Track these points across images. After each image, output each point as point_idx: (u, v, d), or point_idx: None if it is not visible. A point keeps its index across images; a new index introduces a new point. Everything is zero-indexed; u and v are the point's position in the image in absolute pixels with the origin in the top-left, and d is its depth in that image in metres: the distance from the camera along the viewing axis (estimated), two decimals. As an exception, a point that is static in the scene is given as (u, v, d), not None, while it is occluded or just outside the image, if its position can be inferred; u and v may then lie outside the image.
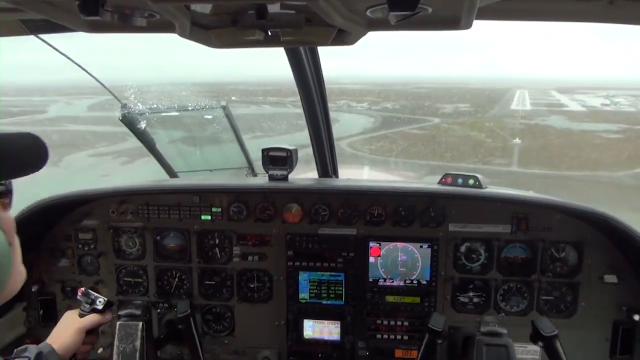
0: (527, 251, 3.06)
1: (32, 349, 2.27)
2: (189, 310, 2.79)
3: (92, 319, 2.58)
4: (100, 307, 2.65)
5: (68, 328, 2.51)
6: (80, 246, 3.33)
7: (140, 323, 2.65)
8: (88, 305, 2.65)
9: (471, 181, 2.98)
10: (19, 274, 1.44)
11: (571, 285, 3.03)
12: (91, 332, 2.62)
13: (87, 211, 3.28)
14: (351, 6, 1.35)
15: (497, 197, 2.91)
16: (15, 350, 2.14)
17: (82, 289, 2.70)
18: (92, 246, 3.33)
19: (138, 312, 2.70)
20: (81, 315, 2.61)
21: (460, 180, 3.00)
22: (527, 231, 3.00)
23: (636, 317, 2.90)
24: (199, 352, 2.79)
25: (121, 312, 2.71)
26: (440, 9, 1.32)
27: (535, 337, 2.54)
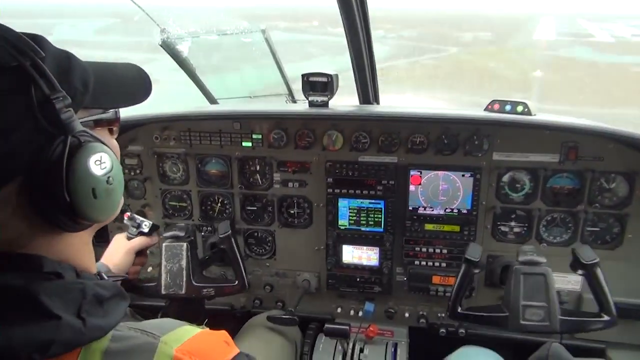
0: (574, 181, 2.97)
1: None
2: (229, 231, 2.86)
3: (140, 241, 2.72)
4: (146, 230, 2.77)
5: (119, 250, 2.66)
6: (126, 171, 3.43)
7: (185, 244, 2.76)
8: (135, 229, 2.78)
9: (520, 108, 2.85)
10: (122, 198, 1.52)
11: (619, 217, 2.95)
12: (140, 254, 2.77)
13: (132, 137, 3.36)
14: None
15: (548, 125, 2.78)
16: None
17: (128, 213, 2.81)
18: (138, 171, 3.43)
19: (182, 233, 2.80)
20: (129, 238, 2.74)
21: (508, 107, 2.88)
22: (576, 161, 2.89)
23: None
24: (242, 270, 2.89)
25: (166, 234, 2.82)
26: None
27: (575, 265, 2.51)
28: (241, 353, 1.32)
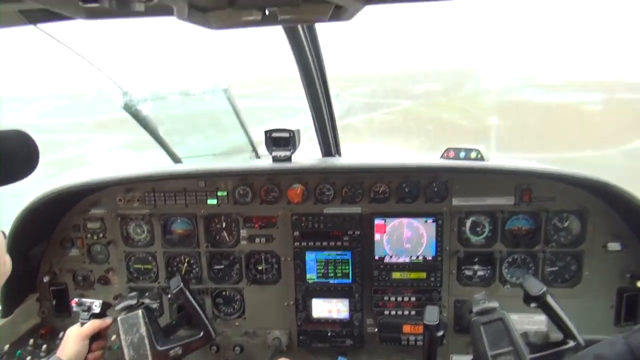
0: (530, 222, 3.09)
1: None
2: (181, 285, 2.80)
3: (90, 325, 2.61)
4: (97, 310, 2.69)
5: (70, 339, 2.56)
6: (89, 235, 3.37)
7: (140, 311, 2.66)
8: (86, 313, 2.69)
9: (473, 154, 3.01)
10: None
11: (575, 254, 3.07)
12: (97, 338, 2.65)
13: (95, 200, 3.32)
14: None
15: (500, 169, 2.93)
16: None
17: (75, 299, 2.74)
18: (101, 235, 3.37)
19: (133, 302, 2.71)
20: (82, 325, 2.64)
21: (462, 154, 3.03)
22: (530, 202, 3.03)
23: (639, 284, 2.94)
24: (204, 320, 2.79)
25: (118, 307, 2.72)
26: None
27: (527, 299, 2.56)
28: None
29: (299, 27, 2.50)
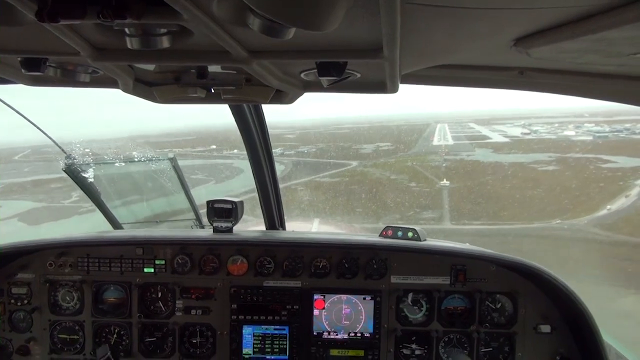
0: (465, 302, 3.16)
1: None
2: (109, 353, 2.67)
3: None
4: None
5: None
6: (12, 301, 3.17)
7: None
8: None
9: (410, 234, 3.10)
10: None
11: (508, 335, 3.13)
12: None
13: (24, 264, 3.16)
14: (286, 69, 1.46)
15: (436, 250, 3.02)
16: None
17: None
18: (26, 301, 3.18)
19: None
20: None
21: (400, 233, 3.11)
22: (465, 282, 3.11)
23: None
24: None
25: None
26: (367, 74, 1.45)
27: None
28: None
29: (245, 105, 2.58)
